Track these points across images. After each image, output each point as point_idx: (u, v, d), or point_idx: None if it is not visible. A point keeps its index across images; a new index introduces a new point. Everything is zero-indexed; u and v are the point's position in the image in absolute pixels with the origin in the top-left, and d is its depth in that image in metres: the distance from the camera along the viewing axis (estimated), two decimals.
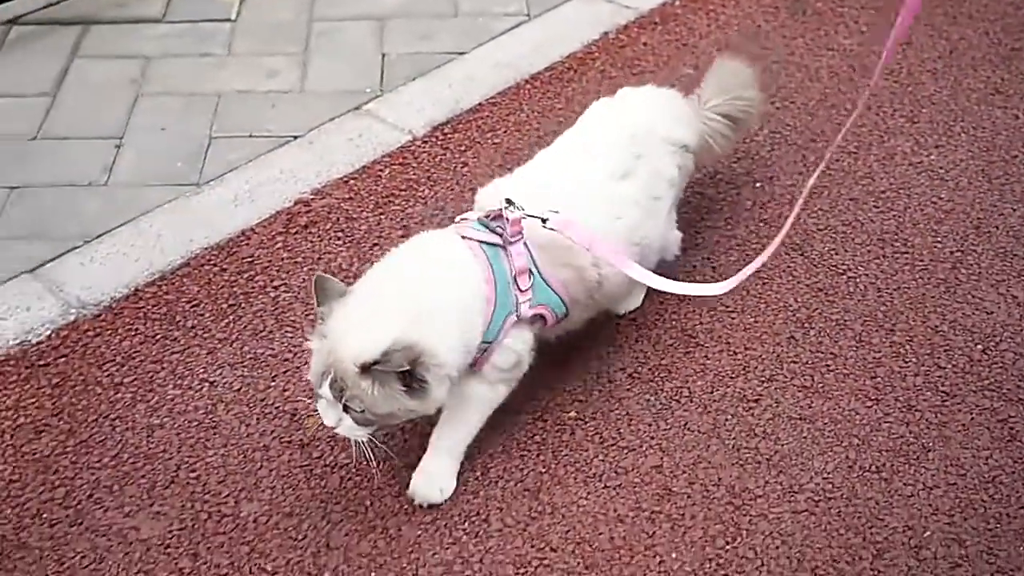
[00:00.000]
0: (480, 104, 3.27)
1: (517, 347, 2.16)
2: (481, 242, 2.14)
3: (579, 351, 2.48)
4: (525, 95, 3.30)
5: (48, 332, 2.59)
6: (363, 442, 2.02)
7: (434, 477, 2.18)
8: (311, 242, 2.82)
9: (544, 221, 2.14)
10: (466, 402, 2.17)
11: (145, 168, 3.06)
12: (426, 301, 2.02)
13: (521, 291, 2.13)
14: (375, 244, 2.81)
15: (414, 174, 3.03)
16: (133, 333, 2.59)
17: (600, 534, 2.15)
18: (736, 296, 2.62)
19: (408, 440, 2.31)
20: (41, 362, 2.52)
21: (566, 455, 2.30)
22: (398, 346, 1.90)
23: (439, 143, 3.14)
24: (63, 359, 2.53)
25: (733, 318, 2.58)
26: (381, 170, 3.05)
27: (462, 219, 2.24)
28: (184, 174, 3.04)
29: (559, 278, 2.19)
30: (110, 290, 2.70)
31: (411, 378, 1.94)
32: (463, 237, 2.15)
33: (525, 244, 2.15)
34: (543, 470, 2.27)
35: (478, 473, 2.26)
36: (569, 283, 2.21)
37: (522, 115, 3.23)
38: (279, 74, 3.40)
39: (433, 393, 1.98)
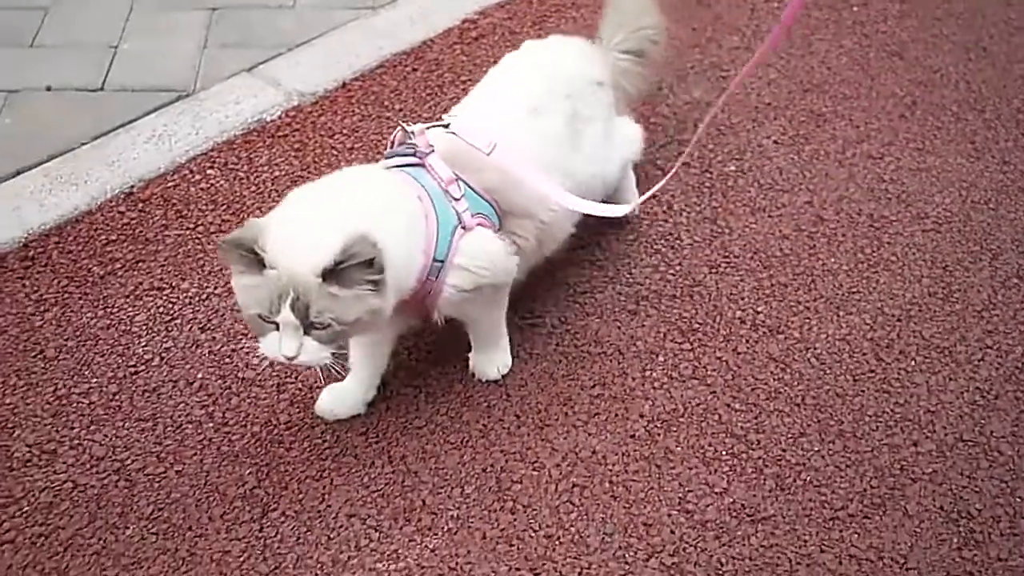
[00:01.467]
0: None
1: (476, 262, 2.11)
2: (400, 166, 2.14)
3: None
4: None
5: (279, 113, 3.07)
6: (327, 364, 1.93)
7: (491, 359, 2.32)
8: (484, 49, 3.32)
9: (446, 127, 2.17)
10: (473, 318, 2.26)
11: None
12: (366, 203, 2.00)
13: (456, 200, 2.11)
14: None
15: (560, 1, 3.53)
16: (351, 113, 3.08)
17: (771, 246, 2.69)
18: (850, 86, 3.16)
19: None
20: (279, 134, 3.00)
21: (733, 195, 2.83)
22: (355, 238, 1.85)
23: None
24: (296, 132, 3.02)
25: (852, 102, 3.12)
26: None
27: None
28: (360, 0, 3.52)
29: (482, 185, 2.17)
30: (322, 83, 3.18)
31: (375, 270, 1.88)
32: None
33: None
34: (716, 204, 2.80)
35: (664, 207, 2.78)
36: (493, 190, 2.18)
37: None
38: None
39: (390, 290, 1.93)
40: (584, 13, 3.45)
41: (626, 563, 2.02)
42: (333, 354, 1.92)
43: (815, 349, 2.43)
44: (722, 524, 2.09)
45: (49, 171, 2.82)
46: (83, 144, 2.91)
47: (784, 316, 2.50)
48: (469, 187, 2.14)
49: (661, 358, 2.41)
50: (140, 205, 2.75)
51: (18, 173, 2.78)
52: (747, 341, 2.45)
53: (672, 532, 2.07)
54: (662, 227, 2.73)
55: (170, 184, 2.82)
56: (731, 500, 2.13)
